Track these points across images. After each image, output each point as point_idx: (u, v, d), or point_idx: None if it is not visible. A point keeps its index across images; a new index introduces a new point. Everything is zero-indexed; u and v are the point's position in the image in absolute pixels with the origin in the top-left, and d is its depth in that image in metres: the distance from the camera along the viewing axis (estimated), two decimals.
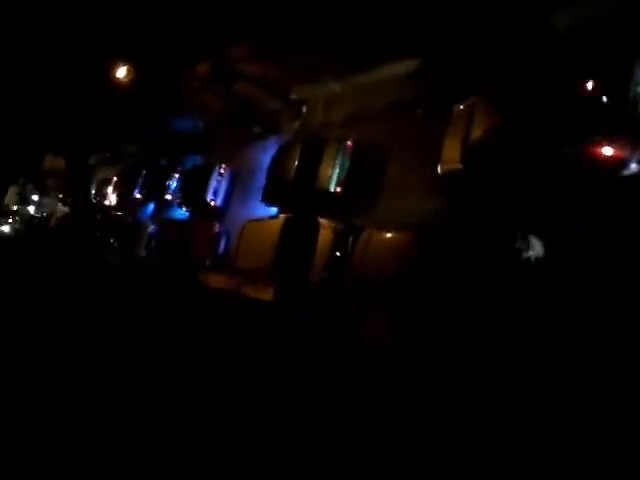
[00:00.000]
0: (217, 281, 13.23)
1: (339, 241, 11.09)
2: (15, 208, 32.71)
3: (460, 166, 9.59)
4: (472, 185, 9.69)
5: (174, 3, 13.27)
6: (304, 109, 15.11)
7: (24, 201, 32.34)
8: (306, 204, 12.49)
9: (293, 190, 12.94)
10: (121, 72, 16.12)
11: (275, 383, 9.49)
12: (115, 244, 20.31)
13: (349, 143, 12.15)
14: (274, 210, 13.69)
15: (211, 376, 9.80)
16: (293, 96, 15.11)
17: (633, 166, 7.45)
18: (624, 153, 7.45)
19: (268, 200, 13.85)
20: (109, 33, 14.91)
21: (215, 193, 16.61)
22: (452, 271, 8.62)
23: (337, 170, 11.97)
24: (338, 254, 10.96)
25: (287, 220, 12.17)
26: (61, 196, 28.38)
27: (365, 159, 12.15)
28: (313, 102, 14.81)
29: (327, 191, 11.92)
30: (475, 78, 10.15)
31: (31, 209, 32.08)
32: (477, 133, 9.29)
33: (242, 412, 9.12)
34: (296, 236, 11.82)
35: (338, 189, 11.87)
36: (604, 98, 7.68)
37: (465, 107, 9.96)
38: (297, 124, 15.20)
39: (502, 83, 9.49)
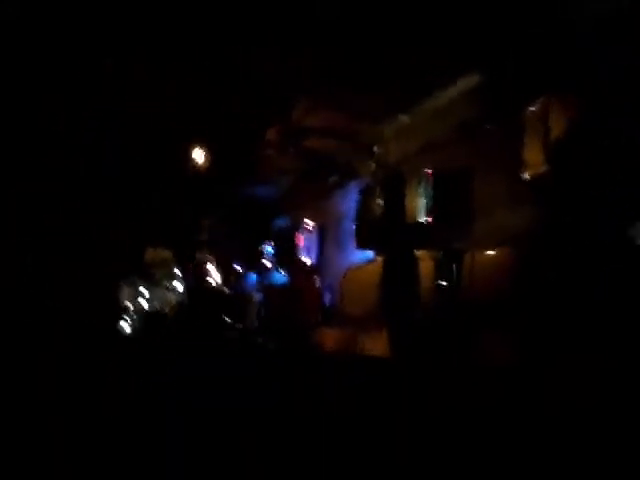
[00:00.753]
0: (330, 336, 13.33)
1: (441, 270, 10.94)
2: (129, 304, 34.49)
3: (546, 168, 9.32)
4: (563, 183, 9.38)
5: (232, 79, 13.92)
6: (375, 149, 15.24)
7: (137, 296, 34.09)
8: (400, 241, 12.46)
9: (384, 230, 12.97)
10: (197, 155, 16.94)
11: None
12: (227, 320, 20.96)
13: (428, 171, 12.10)
14: (370, 254, 13.75)
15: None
16: (364, 138, 15.29)
17: None
18: None
19: (362, 245, 13.86)
20: (182, 121, 15.76)
21: (308, 250, 17.05)
22: (566, 278, 8.23)
23: (423, 200, 11.84)
24: (444, 283, 10.79)
25: (385, 260, 12.16)
26: (168, 285, 29.75)
27: (448, 183, 12.03)
28: (385, 140, 14.90)
29: (418, 223, 11.81)
30: (542, 76, 9.93)
31: (144, 303, 33.69)
32: (557, 130, 8.95)
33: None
34: (397, 274, 11.77)
35: (429, 219, 11.78)
36: None
37: (538, 108, 9.73)
38: (373, 165, 15.32)
39: (573, 73, 9.21)
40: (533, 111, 9.86)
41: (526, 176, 9.69)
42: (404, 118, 13.92)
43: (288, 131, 15.75)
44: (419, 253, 11.56)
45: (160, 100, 15.15)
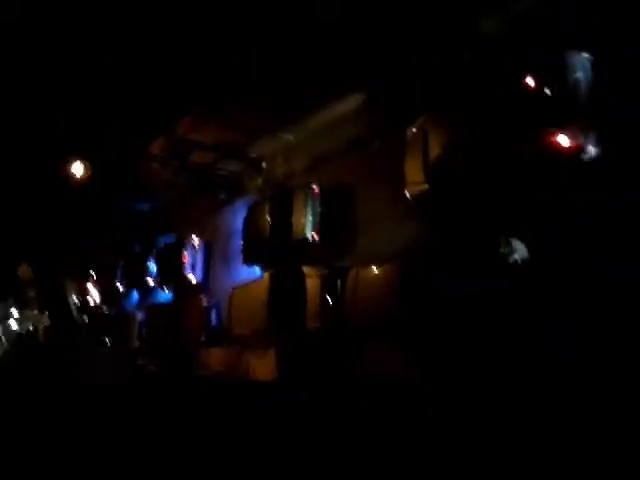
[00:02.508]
0: (216, 355, 12.99)
1: (327, 286, 11.00)
2: None
3: (426, 186, 9.65)
4: (442, 202, 9.75)
5: (115, 92, 13.41)
6: (264, 165, 15.19)
7: (6, 317, 31.74)
8: (287, 257, 12.44)
9: (271, 246, 12.94)
10: (76, 169, 16.01)
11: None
12: (106, 340, 19.95)
13: (315, 188, 12.23)
14: (257, 271, 13.62)
15: None
16: (251, 155, 15.19)
17: (590, 149, 7.60)
18: (579, 139, 7.58)
19: (249, 261, 13.81)
20: (60, 134, 15.01)
21: (193, 268, 16.57)
22: (443, 291, 8.54)
23: (310, 217, 11.99)
24: (329, 299, 10.86)
25: (272, 277, 12.07)
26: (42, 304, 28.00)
27: (333, 201, 12.22)
28: (272, 156, 14.94)
29: (305, 239, 11.91)
30: (420, 98, 10.33)
31: (13, 324, 31.39)
32: (435, 151, 9.41)
33: None
34: (284, 291, 11.72)
35: (315, 235, 11.87)
36: (546, 90, 7.87)
37: (417, 128, 10.09)
38: (260, 181, 15.26)
39: (448, 97, 9.64)
40: (414, 132, 10.21)
41: (408, 194, 10.09)
42: (289, 135, 13.99)
43: (172, 145, 15.37)
44: (306, 270, 11.62)
45: (35, 109, 14.32)
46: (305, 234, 11.92)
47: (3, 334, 31.42)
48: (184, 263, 16.32)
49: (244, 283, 13.24)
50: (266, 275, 12.46)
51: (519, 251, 7.93)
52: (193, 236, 16.81)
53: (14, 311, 31.77)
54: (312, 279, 11.23)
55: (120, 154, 16.17)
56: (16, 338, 29.50)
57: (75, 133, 15.30)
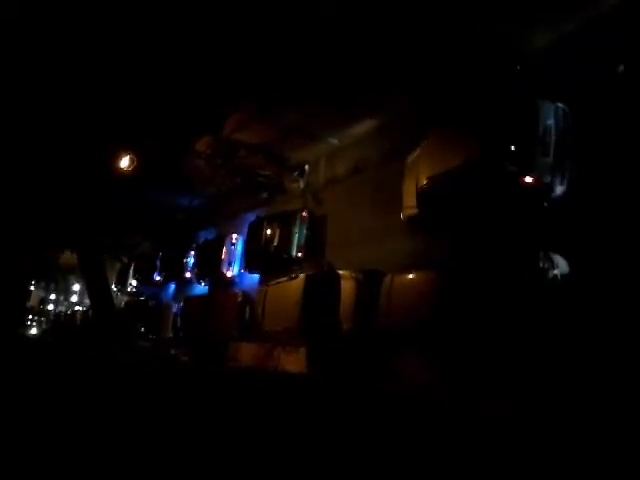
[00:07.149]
0: (247, 350, 13.17)
1: (362, 289, 11.17)
2: (37, 308, 33.02)
3: (416, 211, 10.63)
4: (429, 226, 10.83)
5: (166, 85, 13.70)
6: (307, 168, 15.41)
7: (46, 301, 32.70)
8: (279, 269, 14.08)
9: (267, 258, 14.96)
10: (124, 162, 16.44)
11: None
12: (142, 329, 20.35)
13: (304, 214, 14.21)
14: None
15: None
16: (295, 156, 15.43)
17: (558, 189, 8.29)
18: (546, 179, 8.23)
19: (249, 269, 15.99)
20: (108, 124, 15.29)
21: (230, 263, 17.01)
22: (479, 304, 8.52)
23: (296, 238, 14.16)
24: (363, 302, 10.96)
25: (308, 277, 12.23)
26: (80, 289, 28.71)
27: (315, 225, 14.29)
28: (315, 159, 15.17)
29: (291, 256, 14.09)
30: (421, 127, 10.99)
31: (51, 308, 32.36)
32: (422, 180, 10.24)
33: None
34: (319, 291, 11.87)
35: (299, 254, 14.06)
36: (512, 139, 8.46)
37: (413, 158, 11.00)
38: (302, 183, 15.46)
39: (437, 131, 10.47)
40: (413, 158, 11.01)
41: (402, 216, 11.17)
42: (335, 140, 14.15)
43: (218, 143, 15.65)
44: (342, 272, 11.75)
45: (85, 103, 14.68)
46: (291, 252, 14.02)
47: (43, 317, 32.40)
48: (223, 259, 16.71)
49: (279, 281, 13.47)
50: (302, 275, 12.64)
51: (560, 267, 7.92)
52: (233, 234, 17.20)
53: (52, 296, 32.77)
54: (347, 281, 11.37)
55: (166, 150, 16.49)
56: (54, 320, 30.37)
57: (123, 127, 15.65)
